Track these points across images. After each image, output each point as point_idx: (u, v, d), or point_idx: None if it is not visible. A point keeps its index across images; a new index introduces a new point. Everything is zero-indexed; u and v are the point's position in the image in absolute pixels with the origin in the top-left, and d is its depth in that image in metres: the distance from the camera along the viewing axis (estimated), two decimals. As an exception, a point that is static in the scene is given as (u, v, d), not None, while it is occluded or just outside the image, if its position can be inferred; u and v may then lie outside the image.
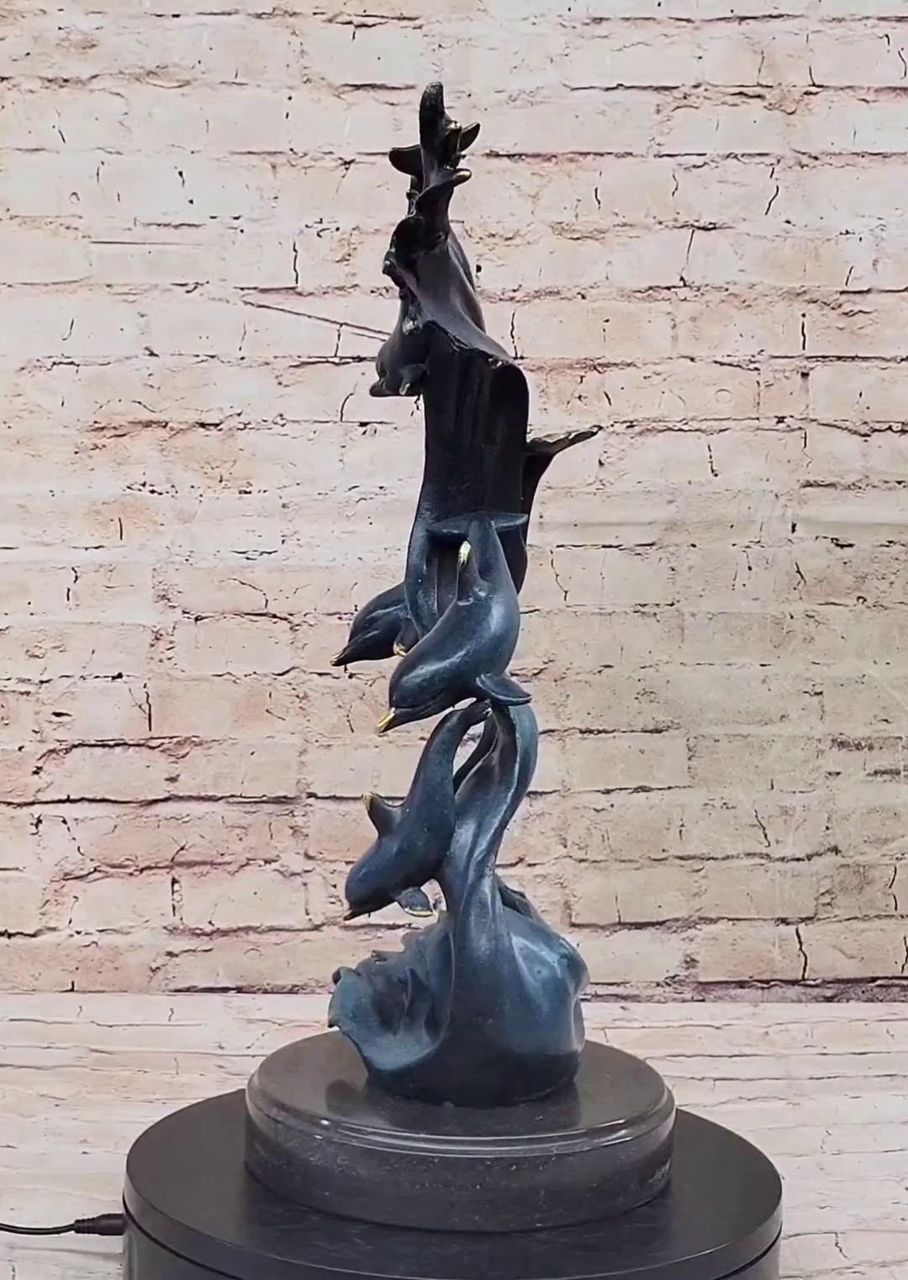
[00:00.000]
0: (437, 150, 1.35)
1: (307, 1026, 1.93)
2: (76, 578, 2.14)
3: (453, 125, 1.34)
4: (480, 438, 1.45)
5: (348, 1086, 1.46)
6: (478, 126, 1.44)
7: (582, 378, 2.15)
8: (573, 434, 1.50)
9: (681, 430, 2.16)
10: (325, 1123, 1.40)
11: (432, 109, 1.34)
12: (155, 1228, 1.39)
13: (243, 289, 2.12)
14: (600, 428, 1.47)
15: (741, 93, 2.15)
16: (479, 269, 2.10)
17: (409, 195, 1.42)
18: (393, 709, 1.41)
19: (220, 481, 2.15)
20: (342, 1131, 1.39)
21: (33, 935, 2.16)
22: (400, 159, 1.45)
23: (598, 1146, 1.39)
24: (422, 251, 1.37)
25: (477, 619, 1.41)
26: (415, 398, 1.48)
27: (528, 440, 1.47)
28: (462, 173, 1.34)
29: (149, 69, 2.12)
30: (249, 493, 2.15)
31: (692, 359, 2.17)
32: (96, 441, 2.14)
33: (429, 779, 1.42)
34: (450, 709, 1.44)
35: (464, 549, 1.42)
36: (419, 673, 1.41)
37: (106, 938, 2.17)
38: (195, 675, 2.15)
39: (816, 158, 2.15)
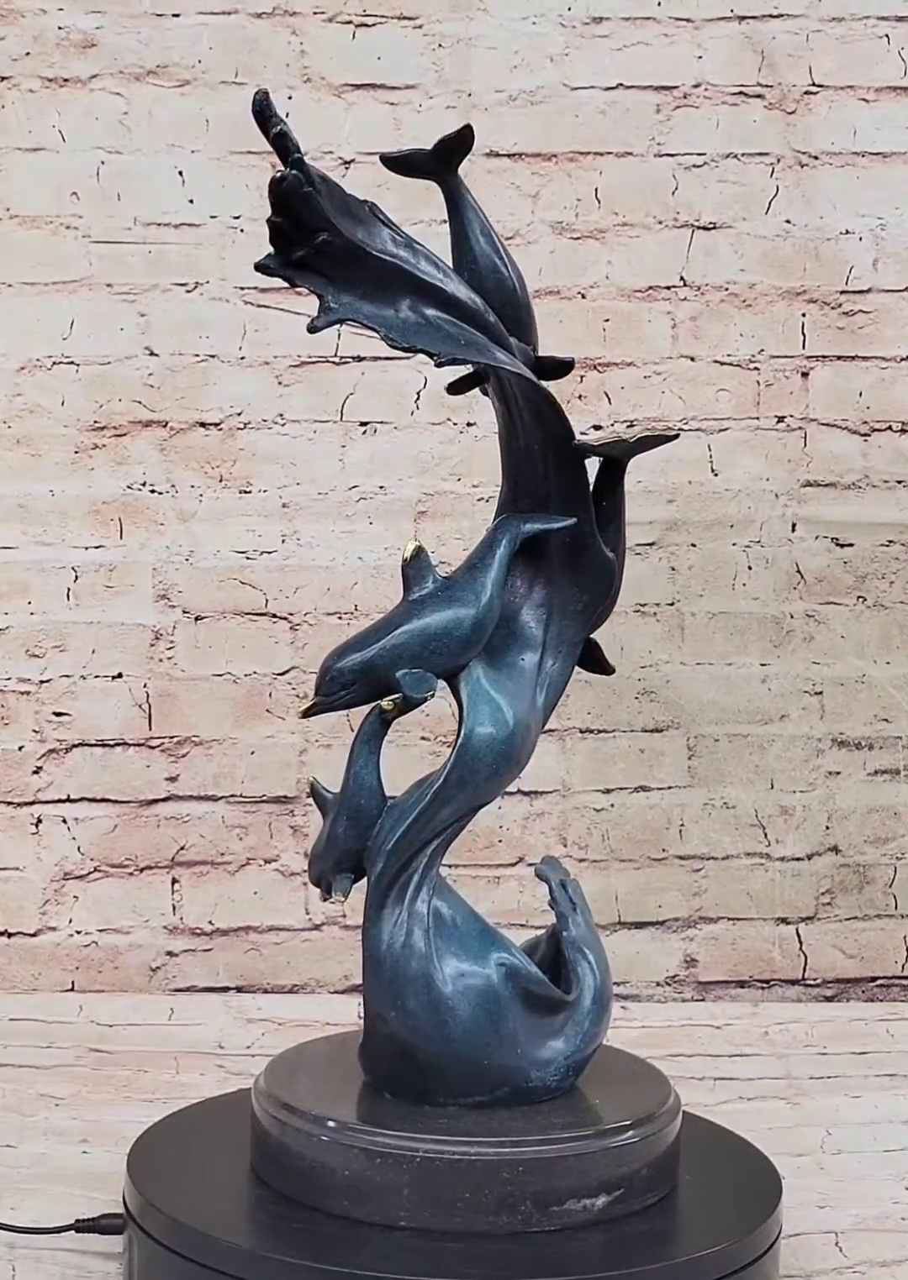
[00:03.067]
0: (275, 152, 1.35)
1: (307, 1026, 1.93)
2: (76, 577, 2.14)
3: (277, 128, 1.33)
4: (533, 439, 1.44)
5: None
6: (468, 127, 1.44)
7: (582, 377, 2.15)
8: (635, 435, 1.46)
9: (681, 430, 2.16)
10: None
11: (259, 114, 1.34)
12: (156, 1227, 1.39)
13: (243, 289, 2.12)
14: (680, 432, 1.46)
15: (741, 92, 2.15)
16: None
17: None
18: (314, 696, 1.43)
19: (220, 481, 2.15)
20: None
21: (33, 935, 2.16)
22: (390, 163, 1.45)
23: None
24: (303, 251, 1.35)
25: (410, 614, 1.42)
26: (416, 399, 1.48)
27: (574, 441, 1.44)
28: (277, 174, 1.33)
29: (149, 69, 2.12)
30: (249, 493, 2.15)
31: (692, 359, 2.17)
32: (96, 441, 2.14)
33: (351, 768, 1.44)
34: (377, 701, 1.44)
35: (409, 545, 1.43)
36: (337, 663, 1.42)
37: (106, 937, 2.17)
38: (195, 675, 2.15)
39: (816, 157, 2.16)
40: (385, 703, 1.42)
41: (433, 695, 1.41)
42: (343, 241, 1.35)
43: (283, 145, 1.33)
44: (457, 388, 1.50)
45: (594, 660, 1.53)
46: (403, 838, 1.41)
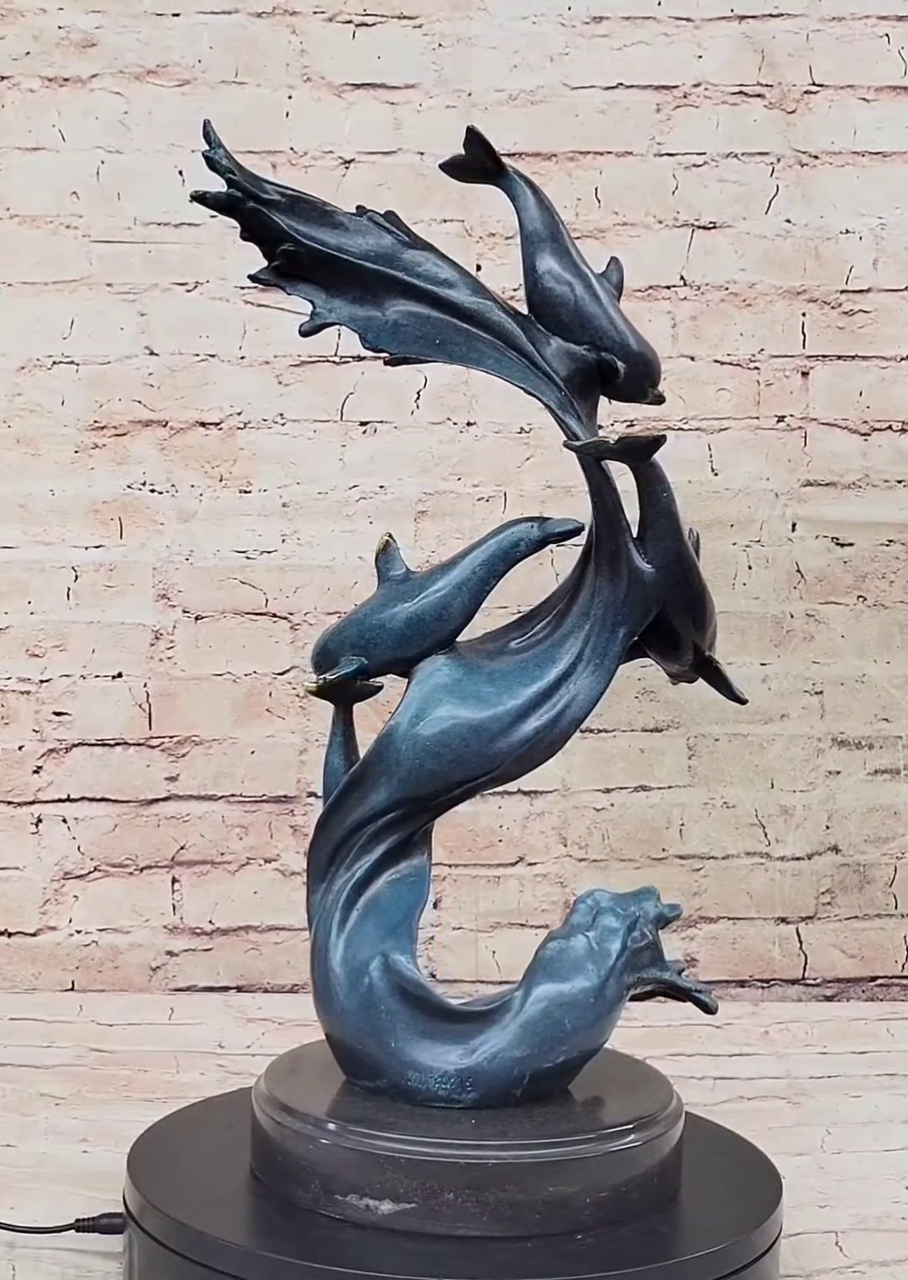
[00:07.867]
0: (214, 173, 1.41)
1: (307, 1025, 1.92)
2: (76, 577, 2.14)
3: (206, 152, 1.39)
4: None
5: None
6: (468, 129, 1.43)
7: (582, 377, 2.15)
8: (615, 436, 1.45)
9: (681, 430, 2.16)
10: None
11: (204, 136, 1.39)
12: (156, 1227, 1.39)
13: (243, 289, 2.12)
14: (665, 436, 1.46)
15: (741, 92, 2.15)
16: (479, 268, 2.10)
17: None
18: None
19: (220, 481, 2.15)
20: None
21: (33, 935, 2.16)
22: (447, 169, 1.45)
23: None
24: (277, 261, 1.42)
25: (366, 604, 1.45)
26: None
27: (565, 442, 1.42)
28: (196, 191, 1.41)
29: (149, 68, 2.12)
30: (249, 492, 2.15)
31: (692, 358, 2.17)
32: (96, 441, 2.14)
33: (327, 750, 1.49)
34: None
35: (379, 539, 1.46)
36: (315, 644, 1.49)
37: (106, 937, 2.17)
38: (195, 675, 2.15)
39: (816, 157, 2.16)
40: (308, 683, 1.46)
41: (339, 678, 1.43)
42: (307, 249, 1.41)
43: (214, 168, 1.40)
44: None
45: (719, 682, 1.53)
46: (327, 815, 1.45)
